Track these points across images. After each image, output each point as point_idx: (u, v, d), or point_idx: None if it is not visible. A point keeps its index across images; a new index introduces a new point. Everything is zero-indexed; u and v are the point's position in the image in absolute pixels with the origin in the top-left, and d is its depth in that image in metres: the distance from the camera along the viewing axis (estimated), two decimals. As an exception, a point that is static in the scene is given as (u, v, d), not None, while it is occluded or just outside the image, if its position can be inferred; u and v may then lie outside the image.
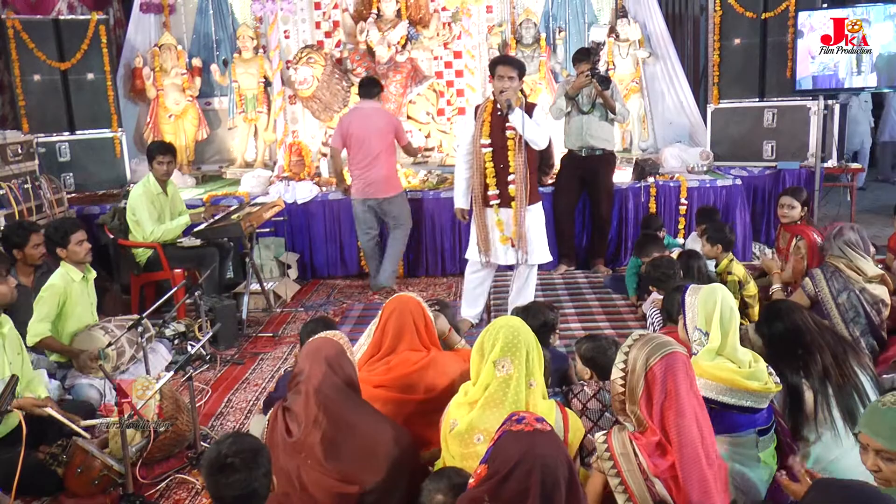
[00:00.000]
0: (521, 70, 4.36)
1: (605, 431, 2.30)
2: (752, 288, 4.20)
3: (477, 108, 4.60)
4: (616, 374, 2.26)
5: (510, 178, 4.37)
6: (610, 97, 5.64)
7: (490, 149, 4.41)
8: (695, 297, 2.71)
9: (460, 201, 4.68)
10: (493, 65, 4.38)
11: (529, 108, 4.35)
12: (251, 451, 1.99)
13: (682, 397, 2.13)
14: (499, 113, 4.37)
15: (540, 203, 4.59)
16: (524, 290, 4.60)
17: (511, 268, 4.73)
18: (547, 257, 4.62)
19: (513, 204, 4.39)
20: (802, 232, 4.39)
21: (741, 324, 2.73)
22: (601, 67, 6.93)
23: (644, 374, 2.17)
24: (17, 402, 2.98)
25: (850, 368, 2.70)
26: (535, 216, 4.52)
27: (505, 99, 4.24)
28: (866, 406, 2.37)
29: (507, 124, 4.32)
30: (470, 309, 4.78)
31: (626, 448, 2.18)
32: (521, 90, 4.44)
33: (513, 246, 4.46)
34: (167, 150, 5.09)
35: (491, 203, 4.45)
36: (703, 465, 2.10)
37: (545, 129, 4.43)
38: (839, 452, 2.58)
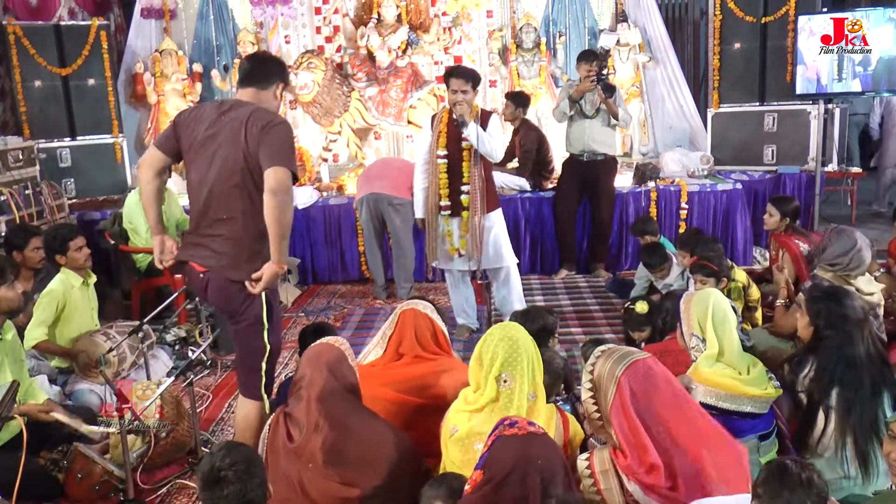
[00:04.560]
0: (474, 81, 4.28)
1: (588, 451, 2.26)
2: (755, 292, 4.19)
3: (433, 118, 4.56)
4: (586, 395, 2.21)
5: (463, 188, 4.36)
6: (613, 104, 5.64)
7: (445, 160, 4.39)
8: (688, 303, 2.72)
9: (420, 212, 4.65)
10: (446, 77, 4.34)
11: (486, 117, 4.31)
12: (244, 461, 1.99)
13: (653, 402, 2.11)
14: (455, 124, 4.32)
15: (500, 209, 4.56)
16: (505, 292, 4.60)
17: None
18: (513, 259, 4.60)
19: (463, 214, 4.39)
20: (785, 244, 4.39)
21: (743, 328, 2.71)
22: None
23: (614, 386, 2.12)
24: (22, 408, 2.98)
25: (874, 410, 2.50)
26: (497, 221, 4.50)
27: (459, 114, 4.20)
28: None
29: (463, 136, 4.30)
30: (460, 319, 4.82)
31: (606, 465, 2.13)
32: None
33: (459, 256, 4.46)
34: None
35: (442, 212, 4.45)
36: (689, 460, 2.07)
37: (499, 140, 4.41)
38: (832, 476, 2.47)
